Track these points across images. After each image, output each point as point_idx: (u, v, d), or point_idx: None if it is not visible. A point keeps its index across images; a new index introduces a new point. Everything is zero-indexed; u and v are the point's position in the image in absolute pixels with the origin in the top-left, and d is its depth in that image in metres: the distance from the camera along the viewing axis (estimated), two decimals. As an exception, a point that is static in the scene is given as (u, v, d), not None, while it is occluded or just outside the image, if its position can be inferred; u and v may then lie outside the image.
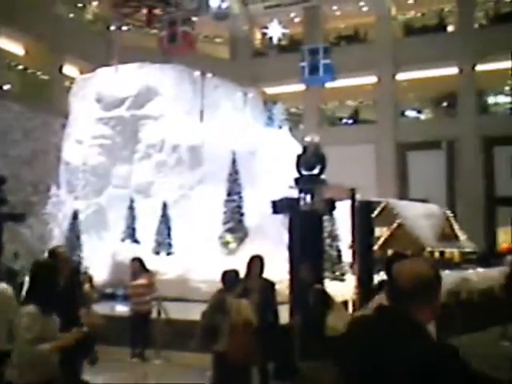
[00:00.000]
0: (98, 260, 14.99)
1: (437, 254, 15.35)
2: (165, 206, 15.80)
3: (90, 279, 9.75)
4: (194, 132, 17.18)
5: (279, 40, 21.97)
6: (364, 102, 31.09)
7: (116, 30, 22.30)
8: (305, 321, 6.48)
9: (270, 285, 7.26)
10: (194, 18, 19.53)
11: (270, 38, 21.55)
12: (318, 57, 16.41)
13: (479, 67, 26.31)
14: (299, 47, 29.50)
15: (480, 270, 15.95)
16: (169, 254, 15.45)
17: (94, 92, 18.68)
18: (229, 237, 15.31)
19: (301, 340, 6.40)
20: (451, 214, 17.24)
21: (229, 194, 15.54)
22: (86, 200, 17.41)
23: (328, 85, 29.81)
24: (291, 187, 8.97)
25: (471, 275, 14.57)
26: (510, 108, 27.93)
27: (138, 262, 9.85)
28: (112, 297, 13.48)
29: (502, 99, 28.33)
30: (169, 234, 15.63)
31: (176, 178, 16.88)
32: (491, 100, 28.48)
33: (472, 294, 13.41)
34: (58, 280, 4.54)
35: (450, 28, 28.51)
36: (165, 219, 15.69)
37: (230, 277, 6.23)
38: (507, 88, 27.78)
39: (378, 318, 2.30)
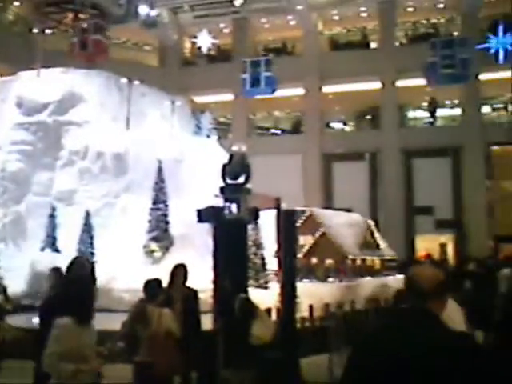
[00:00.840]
0: (16, 270, 14.38)
1: (358, 262, 15.83)
2: (88, 214, 15.40)
3: (4, 290, 9.33)
4: (119, 139, 16.90)
5: (208, 50, 22.05)
6: (291, 113, 31.71)
7: (39, 33, 21.62)
8: (229, 329, 6.51)
9: (193, 293, 7.24)
10: (120, 24, 19.30)
11: (199, 48, 21.59)
12: (260, 69, 16.58)
13: (399, 83, 27.49)
14: (229, 57, 30.06)
15: (399, 276, 16.59)
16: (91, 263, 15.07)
17: (15, 96, 18.00)
18: (154, 246, 15.13)
19: (224, 348, 6.42)
20: (373, 223, 17.84)
21: (154, 203, 15.38)
22: (4, 208, 16.69)
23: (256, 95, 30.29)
24: (216, 196, 9.00)
25: (391, 281, 15.13)
26: (427, 122, 29.34)
27: (57, 272, 9.53)
28: (30, 308, 12.95)
29: (420, 114, 29.72)
30: (91, 243, 15.24)
31: (100, 186, 16.52)
32: (411, 114, 29.81)
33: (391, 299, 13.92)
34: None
35: (373, 45, 29.64)
36: (87, 228, 15.29)
37: (151, 286, 6.17)
38: (425, 103, 29.17)
39: (406, 318, 2.53)
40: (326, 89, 28.98)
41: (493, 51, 14.37)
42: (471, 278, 12.51)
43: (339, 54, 29.01)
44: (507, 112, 28.38)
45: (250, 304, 6.47)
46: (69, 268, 5.76)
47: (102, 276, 13.90)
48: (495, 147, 26.94)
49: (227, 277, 7.17)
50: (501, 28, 14.00)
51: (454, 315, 3.65)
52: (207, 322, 7.93)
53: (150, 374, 5.63)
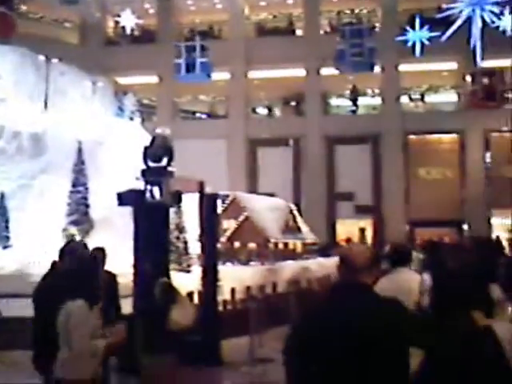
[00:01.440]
0: None
1: (280, 246, 16.12)
2: (2, 196, 14.76)
3: None
4: (36, 119, 16.20)
5: (132, 30, 21.47)
6: (217, 97, 31.60)
7: None
8: (148, 314, 6.47)
9: (113, 277, 7.14)
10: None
11: (123, 28, 20.99)
12: (195, 54, 16.27)
13: (323, 71, 28.00)
14: (153, 39, 29.45)
15: (320, 259, 17.07)
16: (5, 247, 14.48)
17: None
18: (73, 229, 14.72)
19: (144, 333, 6.37)
20: (295, 208, 18.18)
21: (74, 185, 14.94)
22: None
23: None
24: (138, 179, 8.87)
25: (311, 264, 15.54)
26: (350, 110, 30.13)
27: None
28: None
29: (342, 102, 30.47)
30: (6, 227, 14.62)
31: (16, 167, 15.79)
32: (334, 102, 30.49)
33: (311, 282, 14.31)
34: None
35: (299, 32, 29.96)
36: (2, 211, 14.64)
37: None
38: (347, 92, 29.93)
39: (341, 290, 2.89)
40: (252, 74, 29.07)
41: (410, 44, 14.90)
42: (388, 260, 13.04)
43: (265, 39, 29.13)
44: (424, 102, 29.63)
45: (170, 288, 6.45)
46: (70, 253, 5.55)
47: (19, 261, 13.44)
48: (412, 136, 28.10)
49: (148, 261, 7.10)
50: (417, 22, 14.52)
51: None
52: (127, 307, 7.84)
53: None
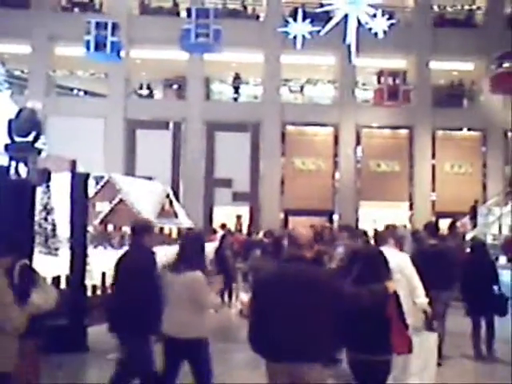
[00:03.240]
0: None
1: (156, 230, 15.87)
2: None
3: None
4: None
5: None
6: (96, 74, 30.29)
7: None
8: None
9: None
10: None
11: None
12: (106, 32, 15.17)
13: (207, 56, 27.86)
14: (27, 4, 27.46)
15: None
16: None
17: None
18: None
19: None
20: (172, 192, 17.99)
21: None
22: None
23: (58, 52, 28.32)
24: (0, 154, 8.24)
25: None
26: (231, 97, 30.31)
27: None
28: None
29: (225, 88, 30.56)
30: None
31: None
32: (216, 88, 30.49)
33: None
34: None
35: (183, 14, 29.49)
36: None
37: None
38: (230, 79, 30.06)
39: (293, 262, 4.20)
40: (134, 53, 28.19)
41: (291, 36, 15.22)
42: (260, 247, 13.34)
43: (148, 18, 28.33)
44: (302, 95, 30.56)
45: (30, 271, 6.06)
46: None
47: None
48: (290, 126, 28.91)
49: (7, 242, 6.60)
50: (300, 15, 14.86)
51: None
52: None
53: None
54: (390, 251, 5.99)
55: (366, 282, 4.52)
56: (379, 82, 26.72)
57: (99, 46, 15.45)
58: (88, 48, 15.50)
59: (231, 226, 24.35)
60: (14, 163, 8.04)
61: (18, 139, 8.19)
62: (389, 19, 14.03)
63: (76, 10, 28.91)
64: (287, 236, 4.20)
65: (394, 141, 29.29)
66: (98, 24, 15.65)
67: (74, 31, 22.72)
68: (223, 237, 13.96)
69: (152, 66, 28.64)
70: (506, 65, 25.63)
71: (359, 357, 4.63)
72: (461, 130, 29.38)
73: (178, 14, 29.12)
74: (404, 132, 29.21)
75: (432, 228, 9.38)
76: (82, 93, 30.95)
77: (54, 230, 13.11)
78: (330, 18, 12.74)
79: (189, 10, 14.94)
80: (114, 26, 15.67)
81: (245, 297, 11.09)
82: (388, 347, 4.70)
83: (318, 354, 3.97)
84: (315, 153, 28.75)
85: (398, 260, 6.64)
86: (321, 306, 3.95)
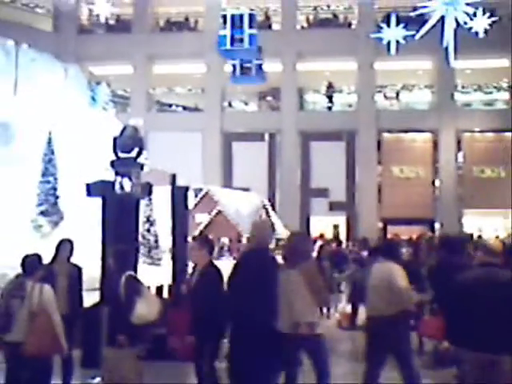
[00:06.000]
0: None
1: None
2: (-31, 186, 14.41)
3: None
4: (5, 106, 15.82)
5: (107, 19, 21.13)
6: (193, 90, 31.32)
7: None
8: (113, 307, 6.33)
9: (78, 270, 6.97)
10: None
11: (97, 16, 20.63)
12: (251, 55, 15.73)
13: (299, 66, 27.95)
14: (129, 28, 29.01)
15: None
16: (-28, 237, 14.12)
17: None
18: (42, 220, 14.43)
19: (108, 326, 6.23)
20: (269, 203, 18.13)
21: (43, 175, 14.64)
22: None
23: (157, 70, 29.62)
24: (107, 170, 8.67)
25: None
26: (325, 106, 30.17)
27: None
28: None
29: (318, 98, 30.48)
30: (-27, 217, 14.27)
31: (-17, 156, 15.43)
32: (309, 98, 30.49)
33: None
34: None
35: (276, 26, 29.83)
36: (-32, 200, 14.30)
37: (30, 261, 5.82)
38: (323, 88, 29.95)
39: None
40: (228, 67, 28.80)
41: (385, 42, 14.86)
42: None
43: (242, 33, 28.86)
44: (398, 101, 29.82)
45: (136, 282, 6.30)
46: None
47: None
48: (386, 134, 28.27)
49: (114, 253, 6.93)
50: (393, 20, 14.48)
51: None
52: (94, 300, 7.69)
53: (22, 355, 5.32)
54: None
55: None
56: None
57: (243, 69, 15.85)
58: (233, 72, 15.97)
59: (329, 235, 24.10)
60: (119, 178, 8.40)
61: (122, 155, 8.57)
62: (490, 17, 13.35)
63: (173, 29, 30.11)
64: (480, 246, 4.83)
65: (499, 145, 27.75)
66: (242, 50, 15.91)
67: (170, 50, 23.71)
68: (321, 247, 13.82)
69: (246, 79, 29.13)
70: None
71: None
72: None
73: (269, 26, 29.53)
74: (509, 135, 27.61)
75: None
76: (180, 108, 32.12)
77: (156, 241, 13.64)
78: (425, 21, 12.31)
79: (224, 17, 14.97)
80: (259, 50, 15.91)
81: (347, 308, 10.94)
82: None
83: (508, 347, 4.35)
84: (413, 160, 27.90)
85: None
86: None
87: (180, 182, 10.49)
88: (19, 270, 5.90)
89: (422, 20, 13.17)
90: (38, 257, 5.99)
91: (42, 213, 14.60)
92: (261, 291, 5.32)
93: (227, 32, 14.74)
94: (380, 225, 27.40)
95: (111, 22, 27.44)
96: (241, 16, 14.92)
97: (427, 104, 29.11)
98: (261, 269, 5.45)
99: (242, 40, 14.80)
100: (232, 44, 14.79)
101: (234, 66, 15.70)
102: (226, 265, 14.27)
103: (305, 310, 5.41)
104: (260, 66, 15.82)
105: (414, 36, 13.15)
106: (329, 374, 5.54)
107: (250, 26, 14.79)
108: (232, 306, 5.54)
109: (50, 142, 14.76)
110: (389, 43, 15.00)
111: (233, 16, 14.99)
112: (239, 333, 5.50)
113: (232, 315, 5.61)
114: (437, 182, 27.62)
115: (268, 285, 5.36)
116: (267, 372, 5.36)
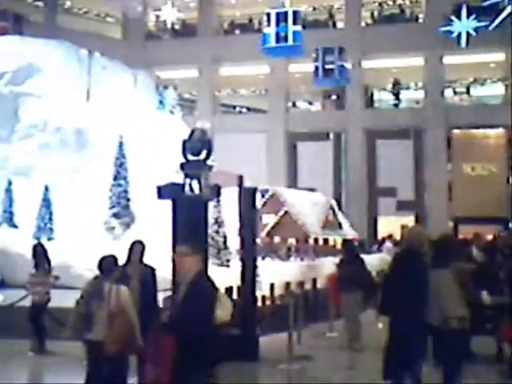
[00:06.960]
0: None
1: (321, 241, 15.92)
2: (47, 189, 15.03)
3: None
4: (79, 113, 16.44)
5: (173, 24, 21.55)
6: (257, 91, 31.48)
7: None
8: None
9: (151, 271, 7.13)
10: None
11: (164, 22, 21.08)
12: (332, 57, 15.90)
13: (365, 64, 27.48)
14: (194, 32, 29.53)
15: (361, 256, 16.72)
16: (50, 239, 14.74)
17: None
18: (114, 222, 14.88)
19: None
20: (335, 203, 17.94)
21: (115, 179, 15.09)
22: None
23: (222, 72, 29.95)
24: (177, 172, 8.83)
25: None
26: (392, 104, 29.55)
27: (40, 248, 9.41)
28: None
29: (384, 95, 29.89)
30: (50, 219, 14.90)
31: (59, 161, 16.07)
32: (375, 95, 29.94)
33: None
34: None
35: (340, 24, 29.51)
36: (46, 203, 14.92)
37: (107, 262, 6.00)
38: (389, 85, 29.35)
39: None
40: (292, 67, 28.79)
41: (455, 35, 14.34)
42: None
43: (305, 32, 28.70)
44: (469, 96, 28.79)
45: (212, 285, 6.36)
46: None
47: (62, 253, 13.67)
48: (456, 130, 27.36)
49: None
50: (463, 12, 13.95)
51: None
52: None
53: (102, 353, 5.50)
54: None
55: None
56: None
57: (326, 71, 15.86)
58: (317, 75, 16.01)
59: (396, 235, 23.60)
60: (188, 180, 8.53)
61: (191, 158, 8.70)
62: None
63: (237, 31, 30.38)
64: None
65: None
66: (325, 50, 15.93)
67: (235, 52, 23.89)
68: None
69: (310, 78, 28.95)
70: None
71: None
72: None
73: (334, 24, 29.26)
74: None
75: None
76: (244, 109, 32.36)
77: (225, 242, 13.75)
78: (497, 11, 11.80)
79: (268, 15, 14.62)
80: (341, 51, 15.89)
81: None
82: None
83: None
84: (486, 157, 26.86)
85: None
86: None
87: (246, 184, 10.53)
88: (95, 271, 6.10)
89: (494, 10, 12.63)
90: (114, 258, 6.16)
91: (115, 215, 15.05)
92: (413, 288, 5.80)
93: (271, 30, 14.54)
94: (451, 224, 26.55)
95: (177, 26, 27.97)
96: (285, 13, 14.67)
97: (500, 98, 27.94)
98: (413, 269, 5.98)
99: (286, 37, 14.58)
100: (277, 42, 14.60)
101: (316, 67, 15.58)
102: (294, 266, 14.16)
103: (455, 305, 5.81)
104: (343, 67, 15.62)
105: (487, 27, 12.62)
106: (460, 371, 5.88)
107: (294, 23, 14.47)
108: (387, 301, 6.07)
109: (121, 146, 15.19)
110: (459, 36, 14.46)
111: (277, 13, 14.76)
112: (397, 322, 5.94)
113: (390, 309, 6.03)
114: (511, 180, 26.46)
115: (419, 282, 5.84)
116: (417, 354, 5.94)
